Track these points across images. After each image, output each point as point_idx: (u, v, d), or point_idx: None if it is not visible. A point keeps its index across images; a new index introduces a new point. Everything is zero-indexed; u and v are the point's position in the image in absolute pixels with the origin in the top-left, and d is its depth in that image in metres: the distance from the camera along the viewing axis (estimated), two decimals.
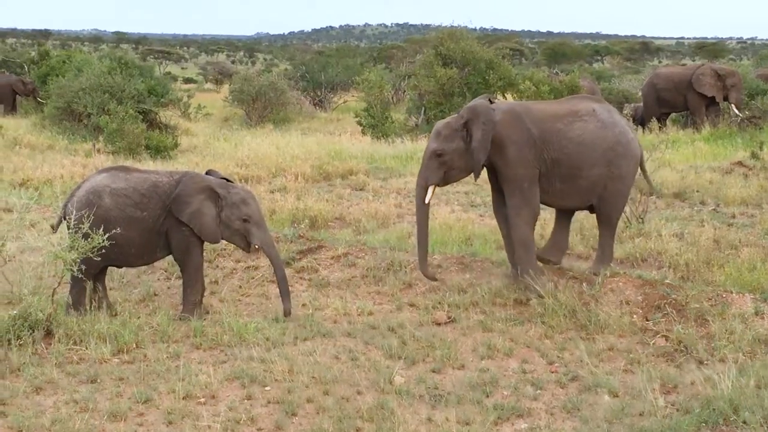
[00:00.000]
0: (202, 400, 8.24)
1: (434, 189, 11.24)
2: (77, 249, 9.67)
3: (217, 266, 12.57)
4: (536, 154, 10.85)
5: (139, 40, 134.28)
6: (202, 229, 10.53)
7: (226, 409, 8.03)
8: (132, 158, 21.64)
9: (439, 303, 11.03)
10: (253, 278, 12.15)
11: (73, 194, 10.86)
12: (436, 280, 11.47)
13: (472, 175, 11.15)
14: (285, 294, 10.72)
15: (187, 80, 65.46)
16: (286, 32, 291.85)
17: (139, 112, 24.86)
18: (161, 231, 10.60)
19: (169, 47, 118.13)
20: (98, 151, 23.30)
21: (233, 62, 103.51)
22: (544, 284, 10.81)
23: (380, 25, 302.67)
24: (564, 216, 11.80)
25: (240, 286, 11.85)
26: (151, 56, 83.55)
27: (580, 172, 10.95)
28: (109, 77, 26.71)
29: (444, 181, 11.34)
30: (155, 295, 11.50)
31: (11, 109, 34.04)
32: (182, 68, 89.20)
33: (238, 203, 10.66)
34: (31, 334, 9.33)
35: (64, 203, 11.09)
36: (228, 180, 11.04)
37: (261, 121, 31.70)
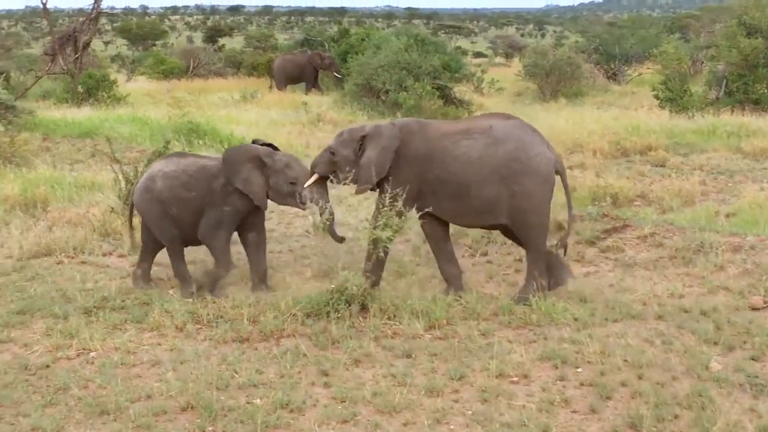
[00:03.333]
0: (515, 379, 8.28)
1: (318, 179, 10.94)
2: (391, 227, 9.96)
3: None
4: (418, 173, 10.48)
5: (430, 15, 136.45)
6: (252, 194, 10.84)
7: (539, 390, 8.04)
8: None
9: (754, 286, 10.56)
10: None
11: (137, 182, 11.58)
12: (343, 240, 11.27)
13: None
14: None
15: (477, 54, 65.94)
16: (576, 3, 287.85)
17: (434, 87, 25.26)
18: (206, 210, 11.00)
19: (459, 22, 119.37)
20: None
21: (522, 35, 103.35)
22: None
23: None
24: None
25: None
26: (442, 31, 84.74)
27: (469, 190, 10.34)
28: (406, 54, 27.28)
29: (331, 181, 11.09)
30: (462, 271, 11.64)
31: (312, 86, 35.34)
32: (472, 42, 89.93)
33: (283, 168, 11.01)
34: (347, 307, 9.71)
35: (131, 191, 11.72)
36: (274, 147, 11.38)
37: (554, 95, 31.49)
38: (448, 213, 10.67)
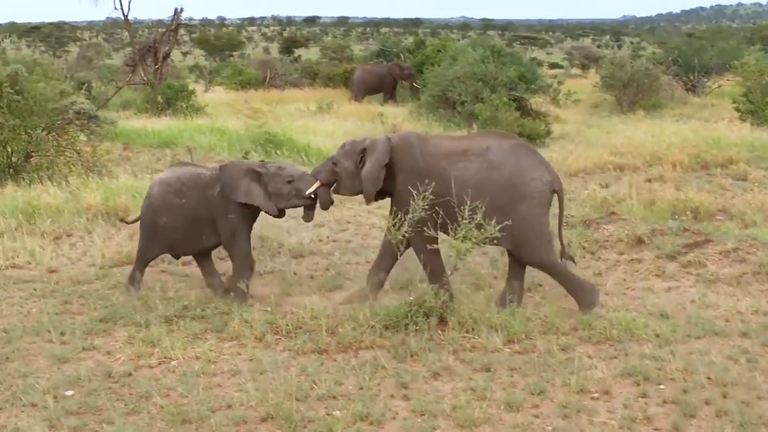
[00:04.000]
0: (596, 395, 8.17)
1: (321, 187, 11.11)
2: (471, 239, 9.92)
3: (599, 258, 12.50)
4: (418, 186, 10.42)
5: (505, 27, 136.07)
6: (258, 204, 11.20)
7: (621, 406, 7.92)
8: None
9: None
10: (637, 271, 11.96)
11: None
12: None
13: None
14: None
15: (553, 65, 65.62)
16: (654, 14, 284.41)
17: (510, 99, 25.17)
18: (205, 218, 11.29)
19: (535, 33, 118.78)
20: None
21: (599, 46, 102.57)
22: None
23: (755, 4, 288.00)
24: (515, 266, 10.87)
25: (624, 279, 11.69)
26: (517, 42, 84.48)
27: (463, 212, 10.21)
28: (482, 65, 27.23)
29: (335, 190, 11.24)
30: (539, 285, 11.55)
31: (390, 97, 35.40)
32: (547, 54, 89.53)
33: (277, 171, 11.30)
34: (426, 320, 9.67)
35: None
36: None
37: (631, 107, 31.16)
38: (448, 231, 10.68)
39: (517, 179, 10.31)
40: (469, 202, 10.14)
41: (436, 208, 10.29)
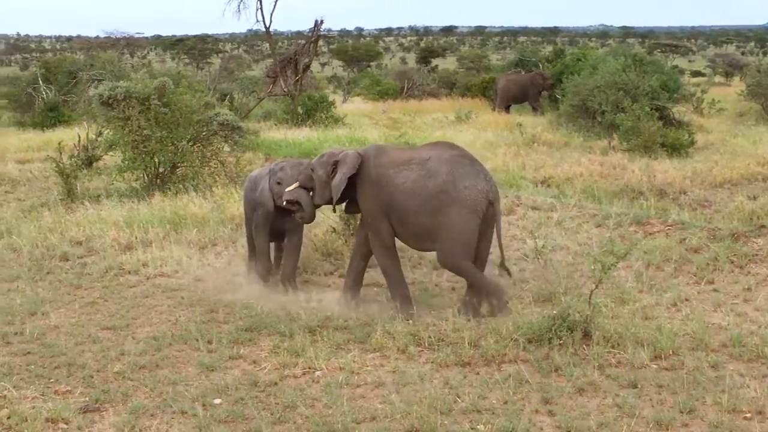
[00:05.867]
0: (749, 415, 7.90)
1: (305, 197, 12.02)
2: (615, 253, 9.75)
3: (749, 272, 12.12)
4: (373, 196, 11.33)
5: (645, 34, 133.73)
6: (261, 200, 12.44)
7: None
8: (648, 156, 21.53)
9: None
10: None
11: None
12: None
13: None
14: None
15: (695, 73, 64.20)
16: None
17: (652, 108, 24.66)
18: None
19: (676, 40, 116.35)
20: (613, 148, 23.43)
21: (743, 53, 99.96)
22: (410, 312, 10.92)
23: None
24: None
25: None
26: (658, 50, 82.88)
27: (407, 218, 11.11)
28: (623, 74, 26.79)
29: (312, 195, 12.04)
30: (686, 300, 11.29)
31: (535, 107, 35.03)
32: (689, 61, 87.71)
33: (277, 170, 12.43)
34: (570, 334, 9.53)
35: None
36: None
37: None
38: (402, 238, 11.45)
39: (450, 186, 10.86)
40: (407, 208, 10.97)
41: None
